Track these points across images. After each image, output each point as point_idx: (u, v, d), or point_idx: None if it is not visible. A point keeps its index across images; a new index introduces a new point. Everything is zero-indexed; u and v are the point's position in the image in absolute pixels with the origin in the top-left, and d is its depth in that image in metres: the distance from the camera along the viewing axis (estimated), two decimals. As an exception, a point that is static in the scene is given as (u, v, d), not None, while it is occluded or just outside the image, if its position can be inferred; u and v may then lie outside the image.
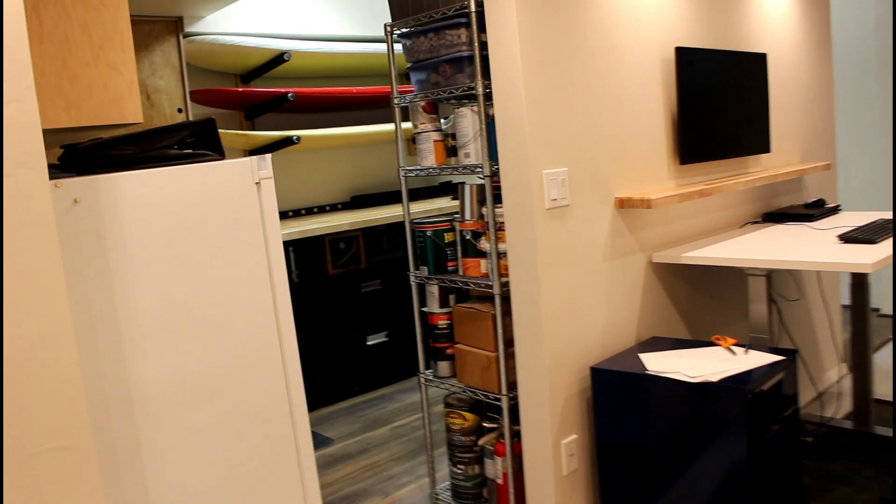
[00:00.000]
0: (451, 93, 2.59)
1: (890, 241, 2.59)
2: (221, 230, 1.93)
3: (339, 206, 4.89)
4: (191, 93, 4.10)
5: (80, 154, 1.87)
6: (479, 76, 2.46)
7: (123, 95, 1.94)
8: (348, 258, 4.31)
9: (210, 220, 1.92)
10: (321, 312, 4.21)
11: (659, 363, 2.36)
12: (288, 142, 4.20)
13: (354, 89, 4.47)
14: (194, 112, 4.20)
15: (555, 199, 2.38)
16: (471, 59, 2.51)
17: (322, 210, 4.80)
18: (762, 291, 2.67)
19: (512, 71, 2.31)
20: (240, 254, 1.97)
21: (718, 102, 2.98)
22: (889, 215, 3.18)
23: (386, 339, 4.50)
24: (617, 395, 2.37)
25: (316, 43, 4.45)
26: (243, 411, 2.01)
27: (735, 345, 2.49)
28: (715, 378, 2.18)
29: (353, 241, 4.32)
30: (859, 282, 3.28)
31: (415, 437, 3.64)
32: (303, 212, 4.70)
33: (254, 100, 4.19)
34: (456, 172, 2.65)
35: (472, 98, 2.69)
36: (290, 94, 4.15)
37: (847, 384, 3.96)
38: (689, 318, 2.95)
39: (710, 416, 2.18)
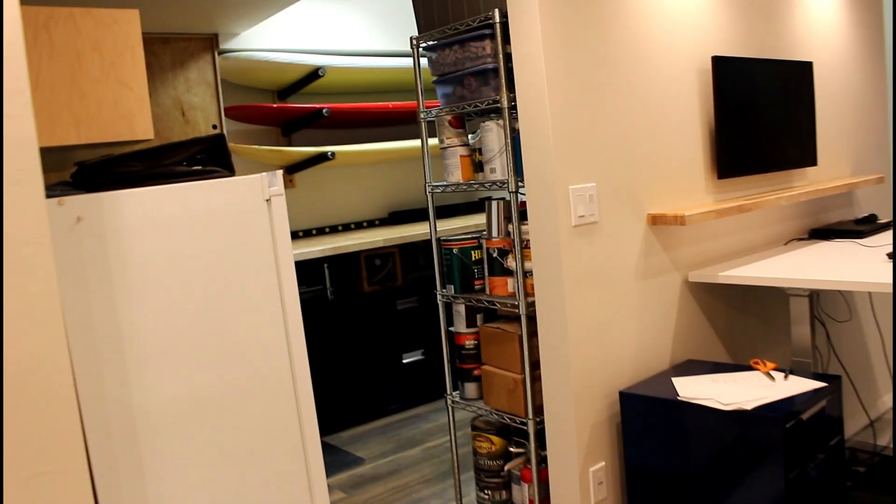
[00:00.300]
0: (476, 106, 2.52)
1: (944, 260, 2.43)
2: (229, 249, 1.89)
3: (377, 223, 4.84)
4: (226, 109, 4.11)
5: (89, 171, 1.84)
6: (503, 89, 2.38)
7: (133, 112, 1.91)
8: (384, 275, 4.26)
9: (218, 239, 1.87)
10: (356, 329, 4.16)
11: (692, 388, 2.24)
12: (323, 157, 4.17)
13: (391, 104, 4.43)
14: (229, 128, 4.20)
15: (582, 216, 2.29)
16: (496, 71, 2.43)
17: (359, 226, 4.76)
18: (805, 313, 2.53)
19: (536, 83, 2.22)
20: (249, 273, 1.92)
21: (759, 114, 2.85)
22: (945, 231, 3.01)
23: (422, 357, 4.42)
24: (647, 422, 2.26)
25: (351, 58, 4.43)
26: (251, 436, 1.96)
27: (775, 369, 2.35)
28: (750, 406, 2.05)
29: (390, 258, 4.27)
30: (913, 302, 3.10)
31: (446, 459, 3.55)
32: (340, 228, 4.67)
33: (288, 116, 4.18)
34: (483, 188, 2.57)
35: (497, 112, 2.62)
36: (324, 110, 4.12)
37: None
38: (729, 341, 2.81)
39: (744, 446, 2.05)
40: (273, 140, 4.43)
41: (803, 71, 3.09)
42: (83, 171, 1.86)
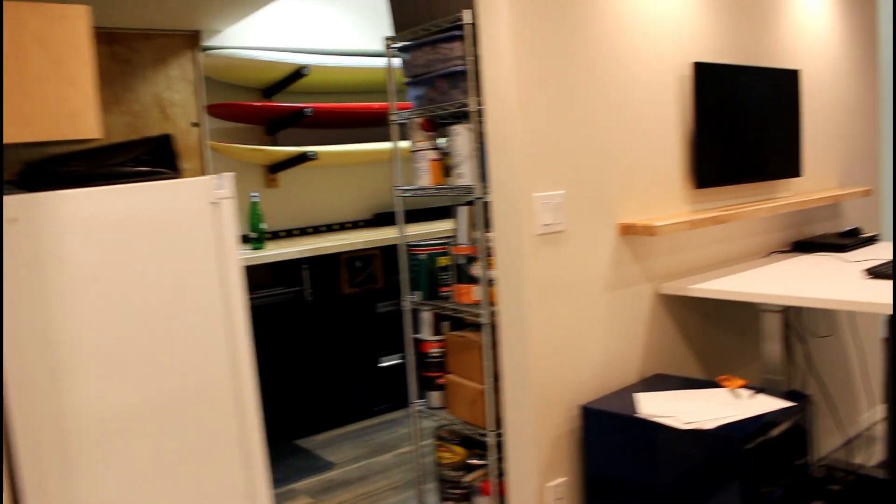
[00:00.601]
0: (445, 109, 2.46)
1: (921, 278, 2.36)
2: (172, 253, 1.83)
3: (361, 224, 4.79)
4: (208, 107, 4.06)
5: (32, 171, 1.79)
6: (472, 92, 2.32)
7: (80, 110, 1.86)
8: (365, 277, 4.20)
9: (159, 242, 1.82)
10: (334, 332, 4.11)
11: (654, 405, 2.18)
12: (306, 157, 4.12)
13: (375, 105, 4.37)
14: (212, 126, 4.15)
15: (548, 224, 2.23)
16: (465, 74, 2.38)
17: (343, 227, 4.71)
18: (776, 329, 2.46)
19: (503, 87, 2.17)
20: (191, 278, 1.87)
21: (740, 122, 2.78)
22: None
23: (400, 360, 4.37)
24: (609, 438, 2.19)
25: (336, 57, 4.37)
26: (190, 448, 1.90)
27: (743, 387, 2.29)
28: (710, 425, 1.99)
29: (371, 260, 4.21)
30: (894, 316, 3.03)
31: (418, 465, 3.49)
32: (323, 228, 4.62)
33: (271, 114, 4.13)
34: (450, 194, 2.52)
35: (468, 115, 2.56)
36: (306, 109, 4.07)
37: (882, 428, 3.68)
38: (703, 355, 2.75)
39: (703, 467, 1.99)
40: (257, 139, 4.38)
41: (789, 79, 3.02)
42: (28, 170, 1.81)
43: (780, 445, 2.10)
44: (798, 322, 3.14)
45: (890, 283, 2.32)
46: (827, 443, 3.41)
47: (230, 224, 1.92)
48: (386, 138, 4.89)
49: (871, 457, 3.43)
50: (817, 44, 3.30)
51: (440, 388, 2.68)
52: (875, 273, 2.42)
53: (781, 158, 3.00)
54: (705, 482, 2.00)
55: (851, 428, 3.60)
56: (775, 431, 2.08)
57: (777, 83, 2.97)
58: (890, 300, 2.08)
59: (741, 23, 2.88)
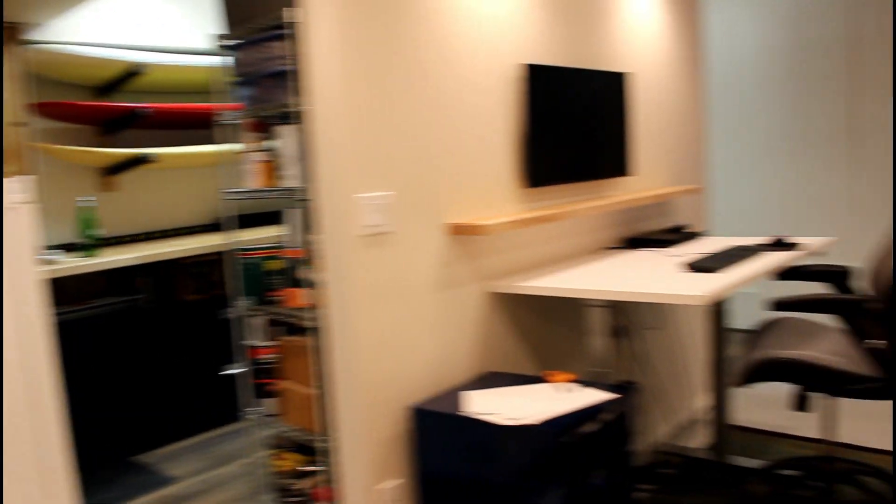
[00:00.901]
0: (271, 110, 2.40)
1: (733, 270, 2.49)
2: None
3: (202, 229, 4.62)
4: (38, 106, 3.82)
5: None
6: (297, 92, 2.27)
7: None
8: (206, 283, 4.06)
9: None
10: (175, 341, 3.95)
11: (482, 403, 2.20)
12: (144, 160, 3.94)
13: (217, 105, 4.24)
14: (41, 126, 3.91)
15: (373, 226, 2.21)
16: (290, 73, 2.33)
17: (186, 232, 4.53)
18: (601, 323, 2.53)
19: (328, 88, 2.13)
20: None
21: (571, 123, 2.86)
22: (749, 241, 3.11)
23: (245, 368, 4.24)
24: (439, 438, 2.20)
25: (176, 56, 4.21)
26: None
27: (571, 381, 2.34)
28: (532, 420, 2.02)
29: (212, 266, 4.08)
30: (716, 308, 3.19)
31: (257, 476, 3.40)
32: (165, 233, 4.43)
33: (103, 115, 3.93)
34: (279, 196, 2.46)
35: (295, 116, 2.51)
36: (141, 110, 3.90)
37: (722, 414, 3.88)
38: (536, 352, 2.80)
39: (528, 462, 2.02)
40: (95, 140, 4.16)
41: (619, 82, 3.13)
42: None
43: (604, 435, 2.16)
44: (626, 315, 3.25)
45: (704, 275, 2.43)
46: (659, 430, 3.55)
47: (27, 231, 1.80)
48: (229, 139, 4.74)
49: (700, 440, 3.61)
50: (647, 48, 3.43)
51: (274, 395, 2.62)
52: (694, 266, 2.53)
53: (612, 158, 3.10)
54: (531, 476, 2.03)
55: (682, 414, 3.77)
56: (598, 422, 2.14)
57: (607, 85, 3.07)
58: (698, 292, 2.17)
59: (573, 26, 2.95)
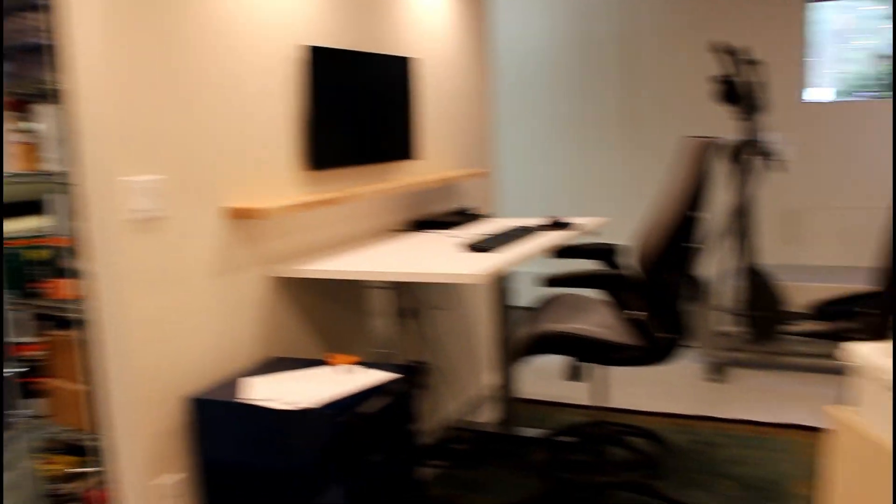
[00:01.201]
0: (29, 88, 2.23)
1: (510, 249, 2.60)
2: None
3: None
4: None
5: None
6: (55, 69, 2.12)
7: None
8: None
9: None
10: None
11: (262, 389, 2.17)
12: None
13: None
14: None
15: (142, 211, 2.10)
16: (48, 48, 2.16)
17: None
18: (386, 304, 2.57)
19: (92, 66, 2.00)
20: None
21: (356, 107, 2.86)
22: (529, 222, 3.26)
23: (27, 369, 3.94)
24: (220, 427, 2.14)
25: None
26: None
27: (353, 363, 2.36)
28: (311, 403, 2.02)
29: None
30: (499, 287, 3.33)
31: (27, 483, 3.18)
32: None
33: None
34: (40, 180, 2.29)
35: (54, 94, 2.34)
36: None
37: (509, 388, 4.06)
38: (323, 336, 2.80)
39: (309, 445, 2.02)
40: None
41: (405, 66, 3.17)
42: None
43: (386, 415, 2.20)
44: (414, 297, 3.33)
45: (483, 255, 2.53)
46: (450, 407, 3.67)
47: None
48: None
49: (489, 415, 3.77)
50: (434, 35, 3.50)
51: (43, 394, 2.45)
52: (473, 247, 2.63)
53: (398, 142, 3.14)
54: (313, 460, 2.03)
55: (472, 391, 3.92)
56: (379, 402, 2.17)
57: (393, 70, 3.10)
58: (473, 271, 2.26)
59: (358, 10, 2.95)
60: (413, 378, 2.36)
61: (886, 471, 1.33)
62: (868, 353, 1.41)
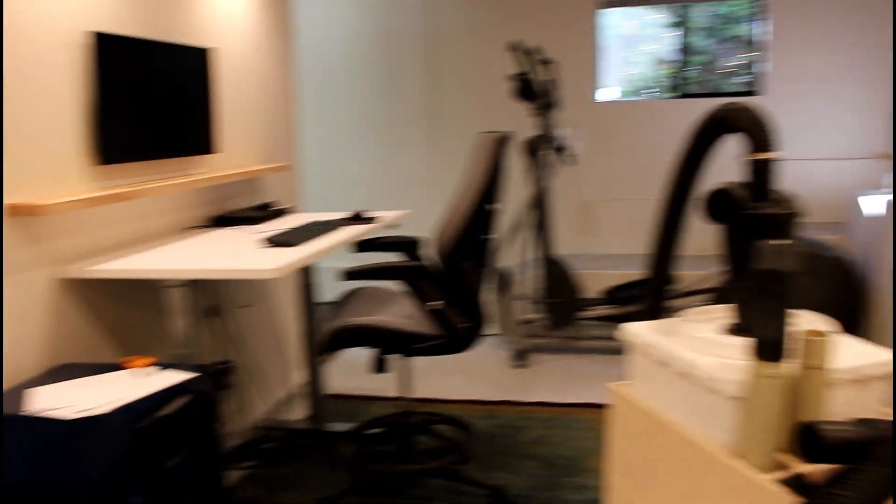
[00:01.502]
0: None
1: (312, 244, 2.59)
2: None
3: None
4: None
5: None
6: None
7: None
8: None
9: None
10: None
11: (49, 398, 2.03)
12: None
13: None
14: None
15: None
16: None
17: None
18: (186, 303, 2.49)
19: None
20: None
21: (149, 98, 2.73)
22: (331, 216, 3.26)
23: None
24: (12, 443, 1.98)
25: None
26: None
27: (151, 365, 2.26)
28: (104, 409, 1.92)
29: None
30: (304, 283, 3.31)
31: None
32: None
33: None
34: None
35: None
36: None
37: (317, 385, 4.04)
38: (120, 339, 2.66)
39: (104, 455, 1.91)
40: None
41: (201, 57, 3.06)
42: None
43: (186, 417, 2.13)
44: (216, 295, 3.24)
45: (283, 250, 2.50)
46: (259, 407, 3.61)
47: None
48: None
49: (300, 412, 3.74)
50: (234, 24, 3.40)
51: None
52: (273, 242, 2.59)
53: (196, 135, 3.04)
54: (108, 470, 1.93)
55: (282, 389, 3.87)
56: (179, 405, 2.10)
57: (189, 60, 2.99)
58: (270, 266, 2.23)
59: (144, -4, 2.82)
60: (216, 378, 2.30)
61: (654, 434, 1.46)
62: (638, 332, 1.54)
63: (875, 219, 4.04)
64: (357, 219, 3.08)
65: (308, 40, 5.74)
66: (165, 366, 2.27)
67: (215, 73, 3.27)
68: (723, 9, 5.68)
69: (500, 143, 2.63)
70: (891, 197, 3.61)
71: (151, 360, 2.30)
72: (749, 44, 5.55)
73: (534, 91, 4.33)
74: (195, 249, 2.59)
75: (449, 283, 2.59)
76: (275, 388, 3.78)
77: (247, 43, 3.53)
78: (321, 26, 5.74)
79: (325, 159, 5.87)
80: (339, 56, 5.75)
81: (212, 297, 3.18)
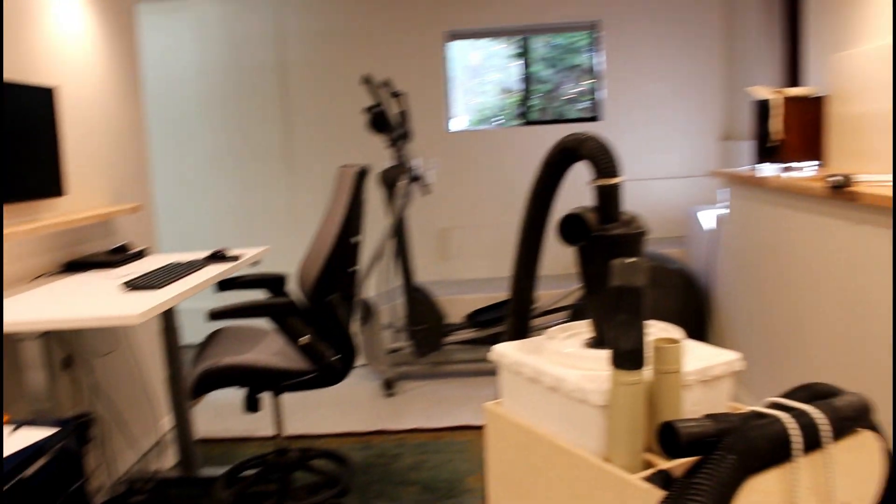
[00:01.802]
0: None
1: (172, 286, 2.54)
2: None
3: None
4: None
5: None
6: None
7: None
8: None
9: None
10: None
11: None
12: None
13: None
14: None
15: None
16: None
17: None
18: (36, 355, 2.37)
19: None
20: None
21: (-13, 143, 2.60)
22: (190, 256, 3.19)
23: None
24: None
25: None
26: None
27: (5, 423, 2.14)
28: (-43, 474, 1.81)
29: None
30: (166, 326, 3.22)
31: None
32: None
33: None
34: None
35: None
36: None
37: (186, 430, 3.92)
38: (-35, 396, 2.50)
39: (-45, 522, 1.80)
40: None
41: (45, 96, 2.94)
42: None
43: (46, 476, 2.03)
44: (71, 344, 3.10)
45: (146, 293, 2.44)
46: (126, 458, 3.46)
47: None
48: None
49: (170, 460, 3.61)
50: (78, 63, 3.29)
51: None
52: (133, 285, 2.52)
53: (41, 178, 2.91)
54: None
55: (150, 438, 3.73)
56: (36, 464, 2.00)
57: (30, 100, 2.86)
58: (134, 311, 2.18)
59: (-23, 37, 2.69)
60: (76, 432, 2.20)
61: (529, 447, 1.53)
62: (506, 352, 1.62)
63: (711, 232, 4.37)
64: (217, 257, 3.03)
65: (156, 75, 5.60)
66: (20, 423, 2.16)
67: (60, 112, 3.15)
68: (561, 39, 6.00)
69: (360, 175, 2.67)
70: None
71: (6, 417, 2.18)
72: (589, 72, 5.88)
73: (388, 123, 4.41)
74: (50, 297, 2.48)
75: (316, 316, 2.59)
76: (142, 438, 3.64)
77: (93, 80, 3.42)
78: (169, 60, 5.62)
79: (180, 198, 5.72)
80: (189, 91, 5.64)
81: (69, 347, 3.04)
